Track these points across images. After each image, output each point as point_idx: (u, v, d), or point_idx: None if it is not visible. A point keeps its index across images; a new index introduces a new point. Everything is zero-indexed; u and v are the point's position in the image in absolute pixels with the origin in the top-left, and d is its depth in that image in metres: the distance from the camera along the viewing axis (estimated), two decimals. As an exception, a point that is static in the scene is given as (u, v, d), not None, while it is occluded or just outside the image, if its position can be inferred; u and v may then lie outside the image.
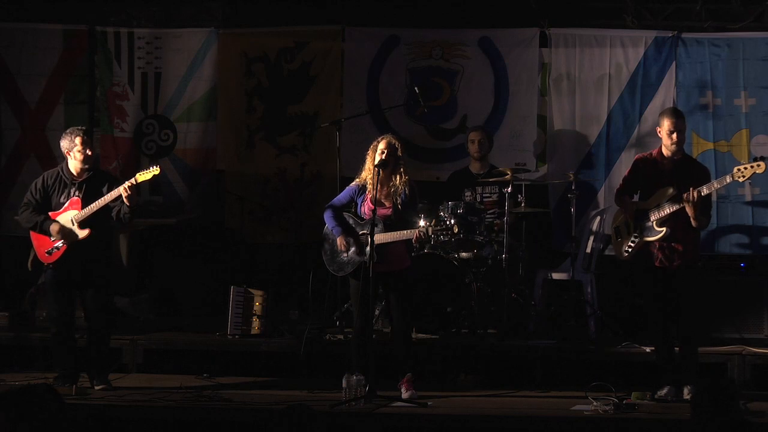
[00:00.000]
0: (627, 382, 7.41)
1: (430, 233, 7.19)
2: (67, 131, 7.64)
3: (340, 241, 7.36)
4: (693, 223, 7.19)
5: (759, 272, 8.68)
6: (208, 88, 9.97)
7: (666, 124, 7.30)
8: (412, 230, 7.19)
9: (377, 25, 9.83)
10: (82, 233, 7.42)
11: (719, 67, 9.29)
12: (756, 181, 9.05)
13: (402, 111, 9.64)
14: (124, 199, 7.31)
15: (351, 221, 7.45)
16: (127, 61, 10.02)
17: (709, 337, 8.08)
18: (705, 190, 7.10)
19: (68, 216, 7.47)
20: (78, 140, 7.51)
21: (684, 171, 7.29)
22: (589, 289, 8.71)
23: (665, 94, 9.36)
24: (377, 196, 7.20)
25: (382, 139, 7.38)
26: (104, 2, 10.06)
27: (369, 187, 7.32)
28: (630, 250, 7.33)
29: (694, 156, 8.65)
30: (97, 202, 7.41)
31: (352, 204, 7.48)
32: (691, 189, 7.06)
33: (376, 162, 7.24)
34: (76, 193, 7.50)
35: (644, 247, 7.29)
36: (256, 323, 8.53)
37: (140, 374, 8.16)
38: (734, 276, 8.66)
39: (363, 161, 7.46)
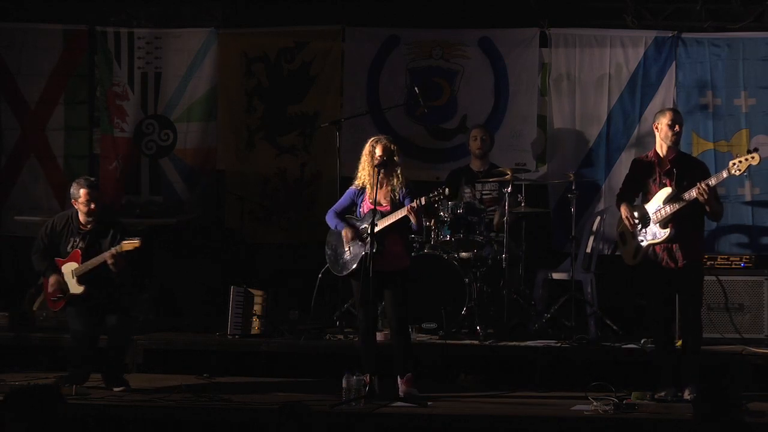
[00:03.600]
0: (627, 382, 7.40)
1: (423, 202, 7.13)
2: (77, 180, 7.60)
3: (345, 232, 7.35)
4: (709, 215, 7.15)
5: (759, 272, 8.67)
6: (208, 88, 9.97)
7: (666, 118, 7.25)
8: (406, 207, 7.14)
9: (377, 25, 9.83)
10: (78, 289, 7.42)
11: (719, 67, 9.28)
12: (756, 181, 9.06)
13: (402, 111, 9.63)
14: (110, 266, 7.33)
15: (352, 220, 7.46)
16: (127, 61, 10.02)
17: (709, 337, 8.06)
18: (713, 181, 7.04)
19: (69, 268, 7.48)
20: (83, 192, 7.46)
21: (682, 168, 7.25)
22: (589, 289, 8.71)
23: (665, 94, 9.35)
24: (377, 197, 7.21)
25: (377, 143, 7.35)
26: (104, 2, 10.06)
27: (368, 188, 7.33)
28: (638, 254, 7.30)
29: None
30: (91, 260, 7.41)
31: (353, 206, 7.48)
32: (699, 184, 6.98)
33: (376, 163, 7.24)
34: (80, 245, 7.49)
35: (649, 249, 7.28)
36: (256, 323, 8.53)
37: (140, 374, 8.15)
38: (734, 276, 8.65)
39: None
